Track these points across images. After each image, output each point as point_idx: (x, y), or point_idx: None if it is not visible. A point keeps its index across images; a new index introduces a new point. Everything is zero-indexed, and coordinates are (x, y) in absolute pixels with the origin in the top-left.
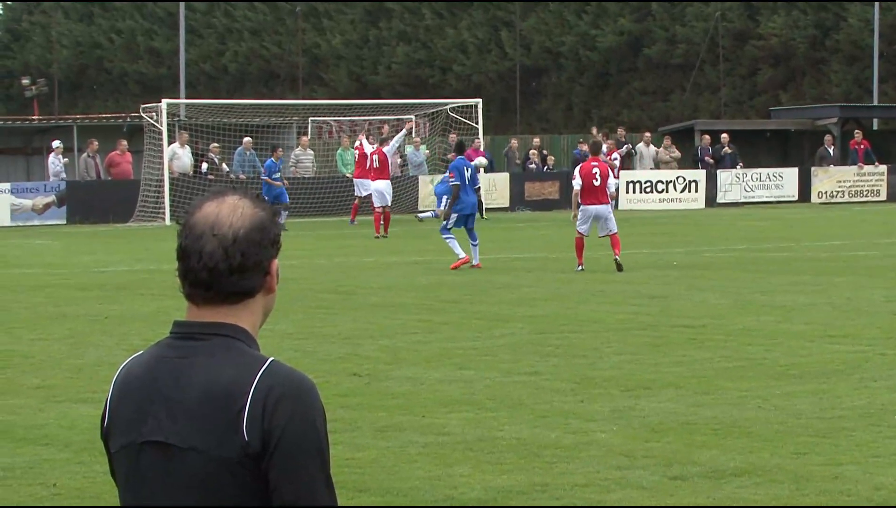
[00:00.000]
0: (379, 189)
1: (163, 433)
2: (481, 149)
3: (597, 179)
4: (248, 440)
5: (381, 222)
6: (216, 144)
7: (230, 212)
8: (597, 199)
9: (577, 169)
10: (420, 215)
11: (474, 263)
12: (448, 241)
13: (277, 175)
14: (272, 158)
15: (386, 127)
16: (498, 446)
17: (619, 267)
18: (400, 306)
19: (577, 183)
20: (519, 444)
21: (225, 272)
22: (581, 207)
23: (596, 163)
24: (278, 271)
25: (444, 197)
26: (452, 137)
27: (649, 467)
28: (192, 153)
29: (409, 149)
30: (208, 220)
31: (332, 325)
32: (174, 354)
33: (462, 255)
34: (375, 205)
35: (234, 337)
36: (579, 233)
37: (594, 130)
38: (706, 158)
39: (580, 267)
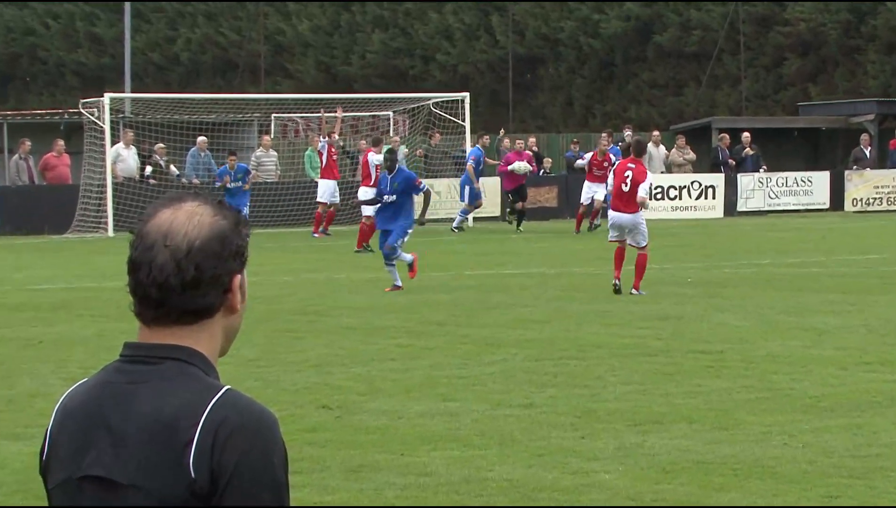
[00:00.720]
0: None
1: (104, 468)
2: (525, 151)
3: (626, 184)
4: (196, 476)
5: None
6: (162, 145)
7: (186, 220)
8: (620, 206)
9: (614, 168)
10: (455, 226)
11: (397, 284)
12: (392, 266)
13: (237, 185)
14: (227, 165)
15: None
16: (487, 488)
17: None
18: (377, 330)
19: (609, 183)
20: (511, 486)
21: (177, 288)
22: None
23: (633, 165)
24: (244, 287)
25: (466, 187)
26: (436, 137)
27: None
28: (139, 154)
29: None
30: (161, 229)
31: (300, 350)
32: (122, 379)
33: (399, 283)
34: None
35: (188, 362)
36: (611, 241)
37: (602, 137)
38: (726, 160)
39: (615, 281)
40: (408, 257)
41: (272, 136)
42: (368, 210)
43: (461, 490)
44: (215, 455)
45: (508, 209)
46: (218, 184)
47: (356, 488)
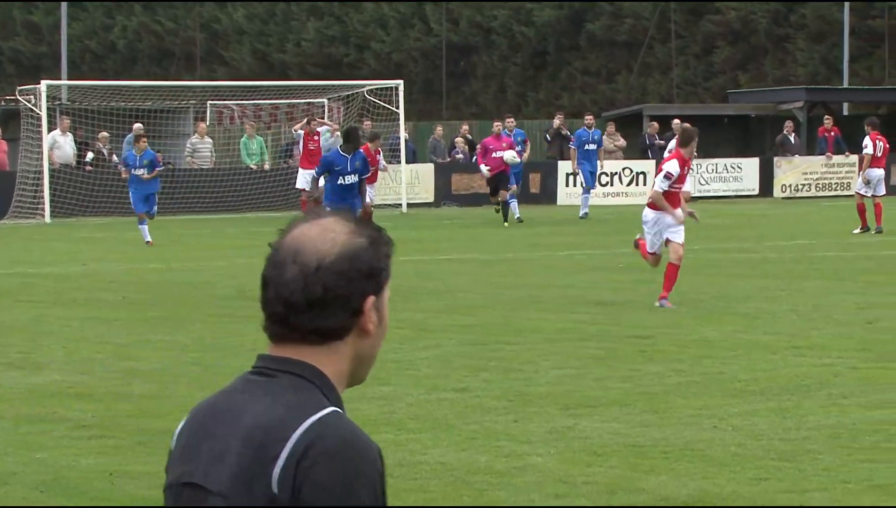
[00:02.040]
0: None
1: (200, 475)
2: (505, 134)
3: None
4: (278, 493)
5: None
6: (106, 134)
7: (319, 236)
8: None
9: None
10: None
11: None
12: None
13: (141, 171)
14: (132, 150)
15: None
16: (421, 472)
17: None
18: None
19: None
20: (444, 469)
21: (302, 306)
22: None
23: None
24: (382, 310)
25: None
26: (367, 125)
27: (591, 495)
28: (75, 141)
29: (325, 135)
30: (293, 245)
31: (236, 335)
32: (241, 388)
33: None
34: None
35: (305, 378)
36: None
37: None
38: (653, 143)
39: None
40: None
41: (208, 123)
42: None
43: (395, 474)
44: (299, 476)
45: (495, 208)
46: (122, 170)
47: None
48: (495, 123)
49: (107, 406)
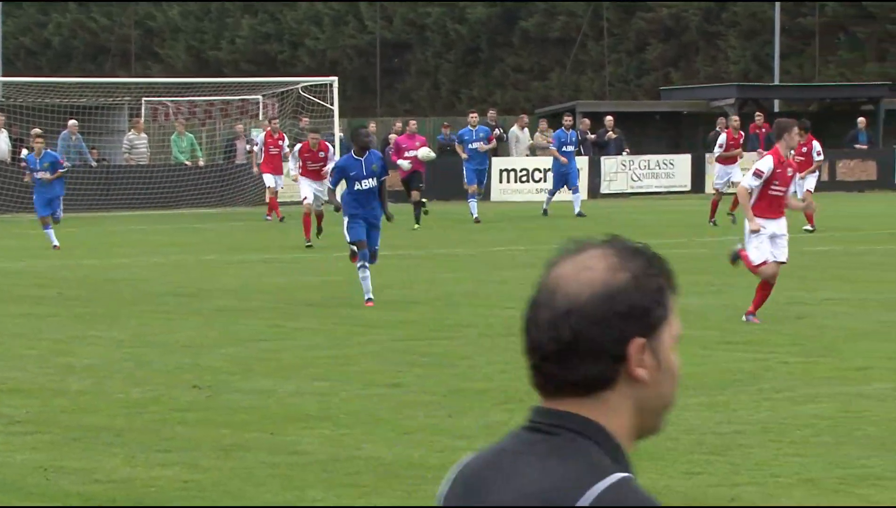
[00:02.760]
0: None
1: None
2: (418, 134)
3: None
4: None
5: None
6: (39, 130)
7: (573, 274)
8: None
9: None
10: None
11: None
12: (360, 275)
13: (42, 174)
14: (32, 154)
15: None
16: (355, 466)
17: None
18: (248, 311)
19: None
20: (379, 464)
21: (551, 355)
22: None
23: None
24: (661, 353)
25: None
26: (304, 121)
27: None
28: (10, 138)
29: (255, 133)
30: (551, 284)
31: (170, 331)
32: (514, 447)
33: (368, 295)
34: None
35: (584, 434)
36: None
37: (733, 118)
38: (585, 138)
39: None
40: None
41: (143, 119)
42: (307, 192)
43: (330, 469)
44: None
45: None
46: (25, 175)
47: (227, 466)
48: (410, 122)
49: (42, 402)
